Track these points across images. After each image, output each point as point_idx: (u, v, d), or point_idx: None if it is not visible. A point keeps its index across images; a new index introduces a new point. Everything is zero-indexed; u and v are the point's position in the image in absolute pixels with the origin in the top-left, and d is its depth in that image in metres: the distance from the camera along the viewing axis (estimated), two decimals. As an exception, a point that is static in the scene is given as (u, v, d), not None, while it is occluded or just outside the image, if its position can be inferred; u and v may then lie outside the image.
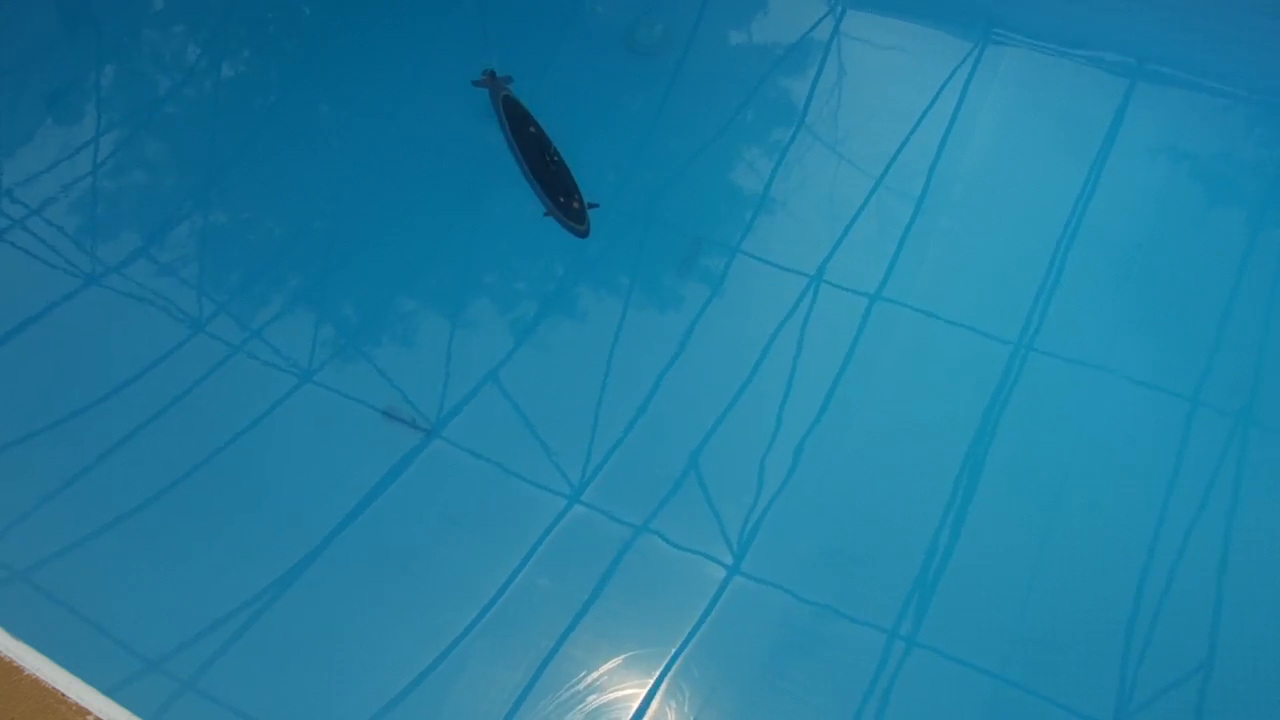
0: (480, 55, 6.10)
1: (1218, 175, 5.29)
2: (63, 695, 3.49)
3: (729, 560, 4.08)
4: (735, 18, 6.31)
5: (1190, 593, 3.95)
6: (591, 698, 3.75)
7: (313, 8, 6.78)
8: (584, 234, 5.16)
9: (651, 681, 3.79)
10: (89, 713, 3.46)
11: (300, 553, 4.13)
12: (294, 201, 5.56)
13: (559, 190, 5.23)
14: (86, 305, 5.01)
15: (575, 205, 5.17)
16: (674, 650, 3.86)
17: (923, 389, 4.57)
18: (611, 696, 3.77)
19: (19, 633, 3.72)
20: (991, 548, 4.11)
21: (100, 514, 4.23)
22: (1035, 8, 6.14)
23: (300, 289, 5.15)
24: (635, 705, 3.75)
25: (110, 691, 3.61)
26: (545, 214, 5.24)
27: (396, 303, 5.05)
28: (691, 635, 3.89)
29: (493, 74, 5.86)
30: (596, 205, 5.23)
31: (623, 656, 3.86)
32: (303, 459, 4.47)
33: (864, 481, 4.34)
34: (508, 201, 5.41)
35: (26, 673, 3.54)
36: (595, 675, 3.81)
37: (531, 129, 5.51)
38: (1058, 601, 3.95)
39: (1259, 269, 4.86)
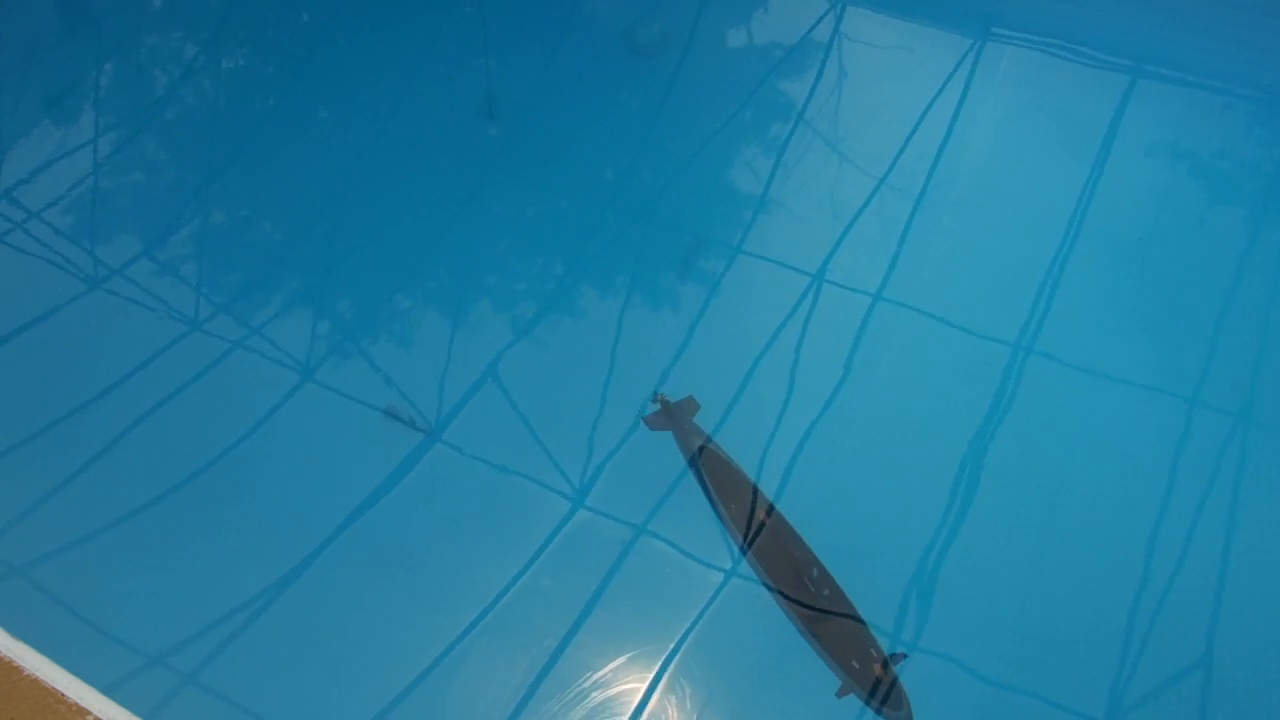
0: (479, 54, 6.09)
1: (1218, 174, 5.29)
2: (63, 695, 3.48)
3: (728, 561, 4.08)
4: (735, 17, 6.30)
5: (1190, 593, 3.95)
6: (595, 694, 3.75)
7: (311, 8, 6.77)
8: None
9: (653, 681, 3.79)
10: (89, 713, 3.45)
11: (301, 552, 4.13)
12: (293, 201, 5.55)
13: (842, 643, 3.34)
14: (86, 304, 5.01)
15: (876, 668, 3.29)
16: (675, 650, 3.86)
17: (923, 389, 4.57)
18: (614, 695, 3.76)
19: (19, 633, 3.71)
20: (991, 547, 4.10)
21: (100, 513, 4.23)
22: (1035, 8, 6.13)
23: (300, 288, 5.15)
24: (637, 704, 3.75)
25: (110, 691, 3.60)
26: (838, 694, 3.41)
27: (396, 302, 5.05)
28: (692, 635, 3.89)
29: (665, 400, 3.96)
30: (905, 655, 3.44)
31: (624, 656, 3.86)
32: (303, 458, 4.47)
33: (864, 481, 4.34)
34: (507, 201, 5.41)
35: (26, 673, 3.53)
36: (598, 674, 3.81)
37: (764, 516, 3.48)
38: (1057, 600, 3.95)
39: (1259, 269, 4.86)
